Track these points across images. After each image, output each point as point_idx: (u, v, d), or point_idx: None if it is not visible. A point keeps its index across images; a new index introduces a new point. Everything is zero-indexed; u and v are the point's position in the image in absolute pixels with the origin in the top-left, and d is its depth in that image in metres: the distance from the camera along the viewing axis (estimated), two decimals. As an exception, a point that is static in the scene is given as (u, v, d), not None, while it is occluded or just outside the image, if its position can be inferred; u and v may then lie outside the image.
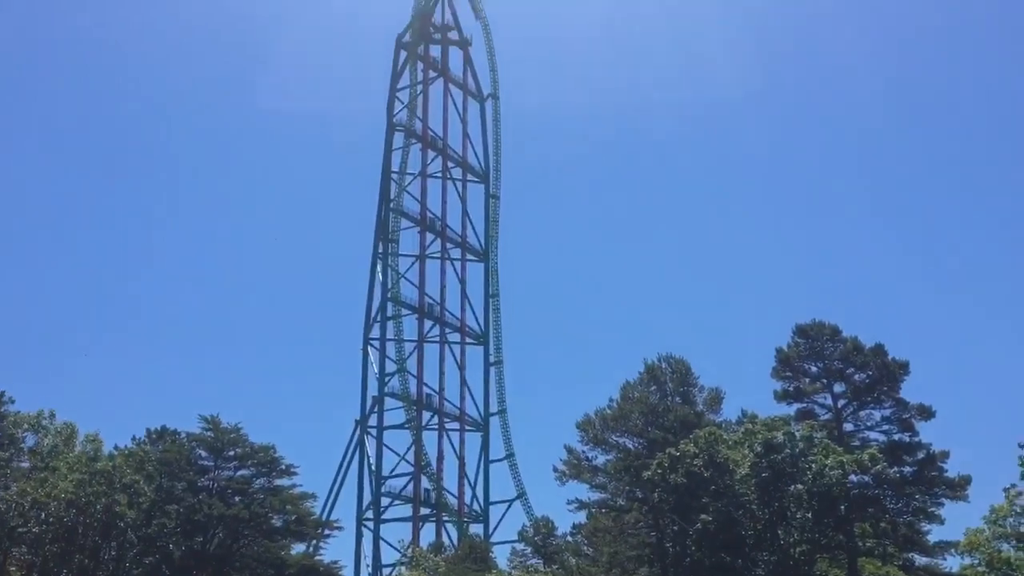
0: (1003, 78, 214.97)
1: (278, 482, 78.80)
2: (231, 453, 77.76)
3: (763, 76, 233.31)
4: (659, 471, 63.57)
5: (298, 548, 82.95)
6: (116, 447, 75.99)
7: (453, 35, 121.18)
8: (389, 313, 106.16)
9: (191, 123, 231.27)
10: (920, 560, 70.83)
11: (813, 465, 61.58)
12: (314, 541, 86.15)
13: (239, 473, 78.06)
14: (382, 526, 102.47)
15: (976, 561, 60.08)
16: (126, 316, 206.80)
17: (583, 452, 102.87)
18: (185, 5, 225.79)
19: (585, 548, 77.72)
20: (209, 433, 77.56)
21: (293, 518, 78.54)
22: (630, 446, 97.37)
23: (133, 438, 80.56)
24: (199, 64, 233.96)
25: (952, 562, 67.74)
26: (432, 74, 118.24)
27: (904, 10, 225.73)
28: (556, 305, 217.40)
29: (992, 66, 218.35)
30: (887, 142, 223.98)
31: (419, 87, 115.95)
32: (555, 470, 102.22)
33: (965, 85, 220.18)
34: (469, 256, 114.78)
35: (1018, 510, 60.13)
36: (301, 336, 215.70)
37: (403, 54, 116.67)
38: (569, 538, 79.38)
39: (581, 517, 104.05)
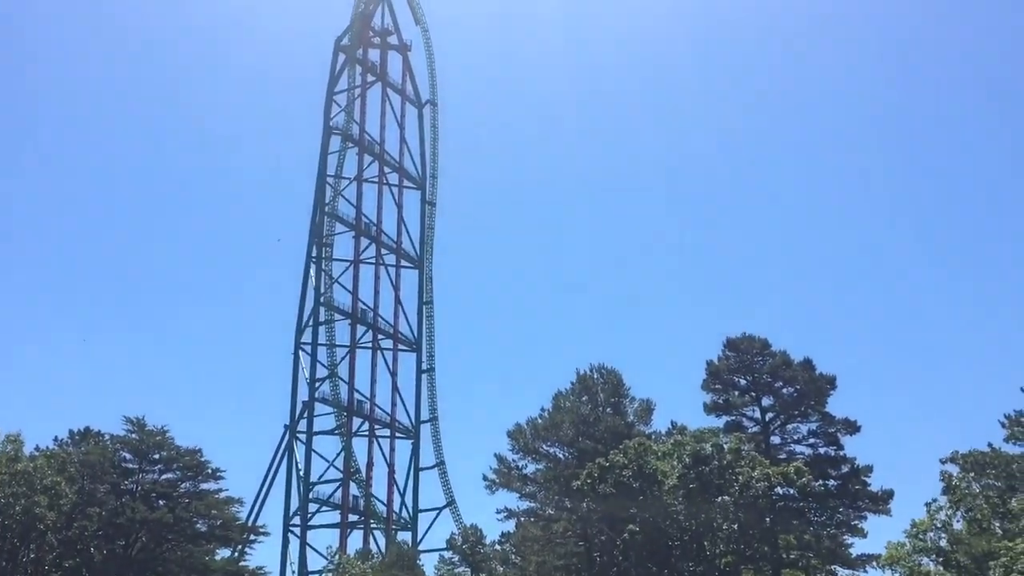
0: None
1: (204, 486, 77.73)
2: (156, 456, 76.55)
3: (724, 83, 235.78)
4: (588, 481, 63.77)
5: (223, 553, 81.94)
6: (37, 448, 74.38)
7: (393, 39, 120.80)
8: (322, 318, 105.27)
9: (128, 122, 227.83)
10: (843, 572, 71.91)
11: (740, 477, 62.22)
12: (239, 547, 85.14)
13: (164, 476, 76.92)
14: (309, 532, 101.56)
15: (897, 574, 61.21)
16: (52, 314, 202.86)
17: (513, 461, 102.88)
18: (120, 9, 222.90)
19: (513, 557, 77.76)
20: (134, 435, 76.36)
21: (218, 523, 77.55)
22: (560, 456, 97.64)
23: (55, 439, 78.96)
24: (133, 66, 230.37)
25: (874, 575, 68.87)
26: (370, 78, 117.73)
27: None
28: (489, 314, 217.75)
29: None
30: (821, 157, 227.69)
31: (357, 91, 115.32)
32: (485, 479, 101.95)
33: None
34: (404, 262, 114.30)
35: (939, 525, 61.36)
36: (231, 339, 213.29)
37: (342, 57, 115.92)
38: (497, 547, 79.35)
39: (510, 526, 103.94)
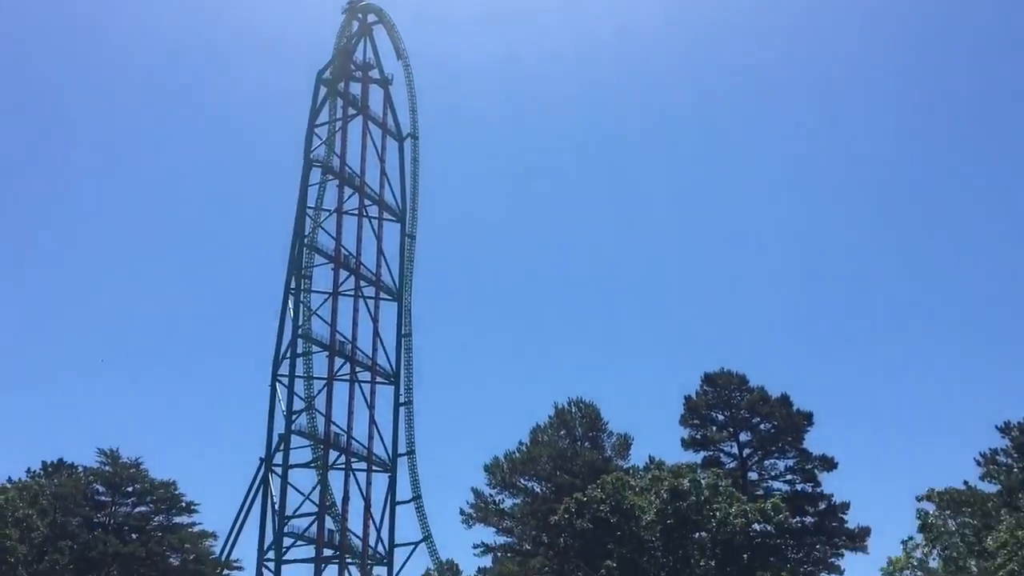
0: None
1: (177, 520, 77.20)
2: (130, 489, 75.99)
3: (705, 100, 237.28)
4: (566, 516, 63.61)
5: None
6: (9, 479, 73.76)
7: (374, 73, 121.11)
8: (299, 350, 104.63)
9: (107, 150, 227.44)
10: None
11: (717, 513, 62.16)
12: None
13: (137, 510, 76.31)
14: (284, 567, 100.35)
15: (874, 612, 61.17)
16: (25, 342, 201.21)
17: (490, 495, 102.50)
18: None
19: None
20: (107, 467, 75.79)
21: (191, 557, 76.89)
22: (538, 490, 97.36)
23: (28, 470, 78.18)
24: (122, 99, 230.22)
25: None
26: (352, 111, 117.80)
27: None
28: (468, 346, 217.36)
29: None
30: (803, 196, 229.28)
31: (338, 124, 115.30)
32: (462, 513, 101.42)
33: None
34: (383, 295, 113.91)
35: (915, 563, 61.38)
36: (208, 371, 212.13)
37: (323, 90, 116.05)
38: (474, 583, 78.96)
39: (487, 561, 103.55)
